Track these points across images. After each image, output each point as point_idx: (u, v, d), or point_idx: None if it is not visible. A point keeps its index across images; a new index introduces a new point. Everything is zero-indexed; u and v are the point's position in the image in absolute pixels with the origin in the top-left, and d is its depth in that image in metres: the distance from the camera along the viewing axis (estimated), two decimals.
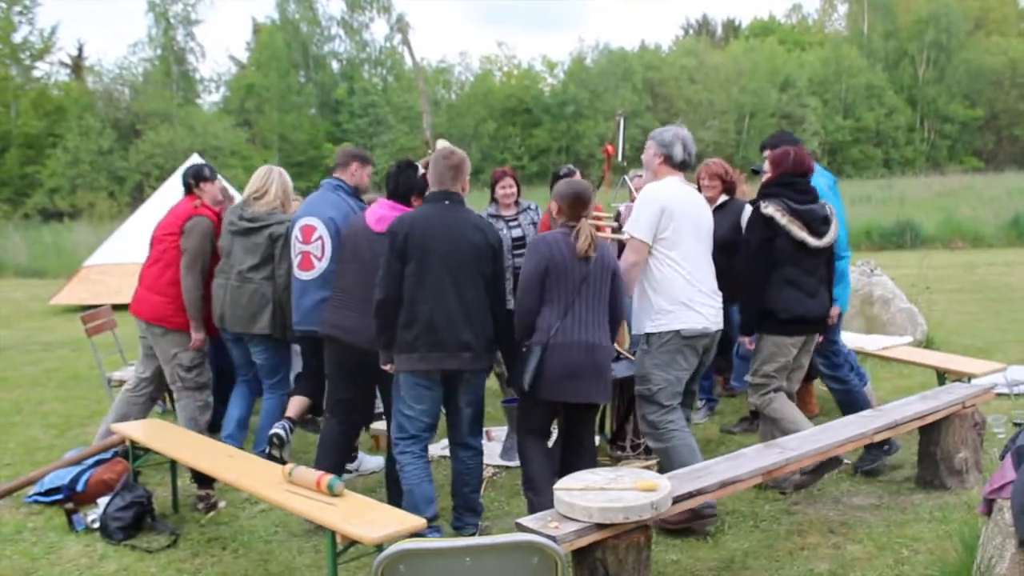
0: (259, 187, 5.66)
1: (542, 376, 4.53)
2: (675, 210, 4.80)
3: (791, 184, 5.23)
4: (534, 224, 7.02)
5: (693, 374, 5.01)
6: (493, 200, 7.11)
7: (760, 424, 5.66)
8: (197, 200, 5.88)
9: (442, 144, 6.08)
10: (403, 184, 5.00)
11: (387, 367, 4.65)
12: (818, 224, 5.19)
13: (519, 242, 6.87)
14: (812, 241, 5.15)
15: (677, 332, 4.78)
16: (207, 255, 5.75)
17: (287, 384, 5.81)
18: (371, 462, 5.98)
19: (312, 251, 5.28)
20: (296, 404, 5.61)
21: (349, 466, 5.79)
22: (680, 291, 4.79)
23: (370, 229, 4.87)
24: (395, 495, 4.83)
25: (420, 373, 4.52)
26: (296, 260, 5.34)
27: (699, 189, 6.81)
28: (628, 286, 4.88)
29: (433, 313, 4.46)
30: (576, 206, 4.64)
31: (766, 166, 5.44)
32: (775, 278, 5.19)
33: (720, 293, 5.00)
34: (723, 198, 6.65)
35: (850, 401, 5.75)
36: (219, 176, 6.21)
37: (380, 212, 4.91)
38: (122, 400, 6.10)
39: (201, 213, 5.79)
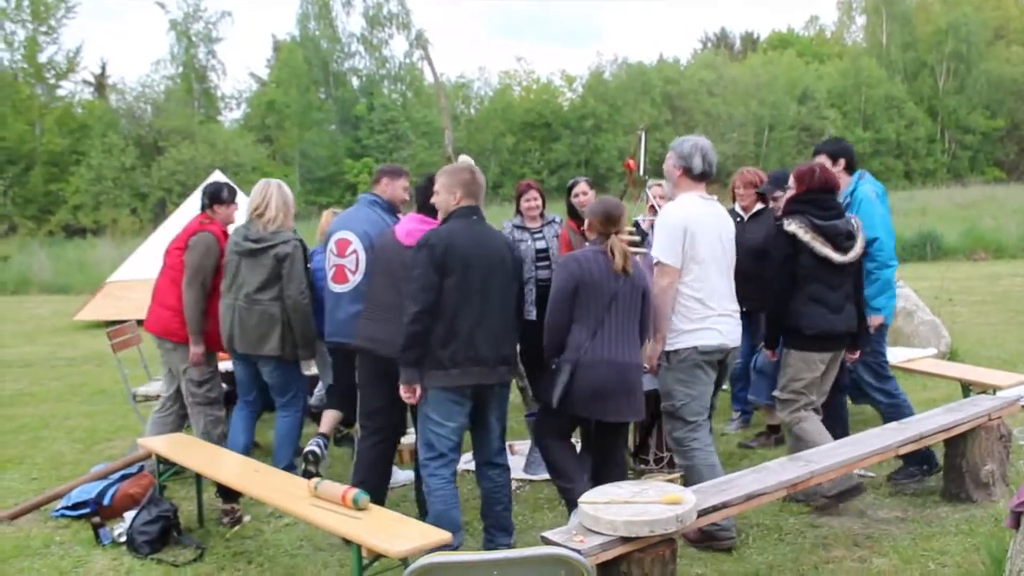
0: (259, 204, 5.55)
1: (571, 394, 4.53)
2: (695, 229, 4.77)
3: (815, 200, 5.17)
4: (557, 237, 7.16)
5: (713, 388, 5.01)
6: (518, 212, 7.22)
7: (789, 440, 5.58)
8: (206, 218, 5.92)
9: (464, 159, 6.11)
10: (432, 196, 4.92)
11: (406, 387, 4.47)
12: (842, 239, 5.13)
13: (543, 254, 7.01)
14: (836, 257, 5.10)
15: (695, 348, 4.77)
16: (208, 271, 5.74)
17: (300, 402, 5.75)
18: (401, 476, 5.86)
19: (347, 264, 5.31)
20: (329, 419, 5.65)
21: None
22: (695, 312, 4.78)
23: (400, 243, 4.85)
24: (425, 512, 4.78)
25: (454, 389, 4.45)
26: (330, 273, 5.37)
27: (733, 198, 6.90)
28: (664, 308, 4.79)
29: (476, 328, 4.43)
30: (607, 223, 4.64)
31: (791, 181, 5.40)
32: (799, 294, 5.14)
33: (738, 309, 5.00)
34: (758, 206, 6.81)
35: (898, 416, 5.52)
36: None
37: (410, 226, 4.90)
38: (152, 422, 6.18)
39: (206, 229, 5.82)
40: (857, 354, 5.45)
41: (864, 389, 5.78)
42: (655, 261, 4.83)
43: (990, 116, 48.23)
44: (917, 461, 5.59)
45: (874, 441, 4.90)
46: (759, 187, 6.79)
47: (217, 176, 14.10)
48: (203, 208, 5.99)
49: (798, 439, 5.20)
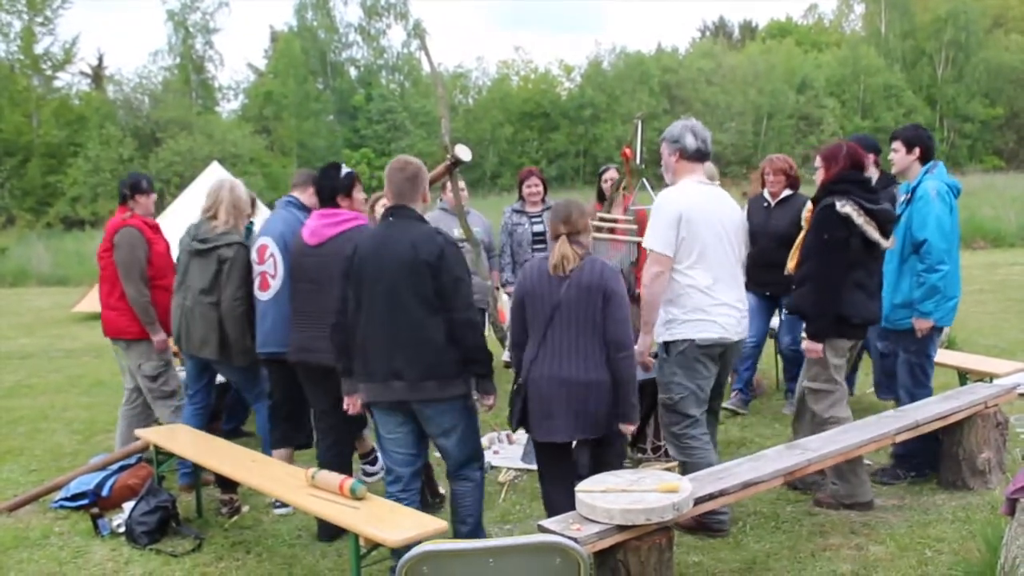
0: (208, 206, 5.55)
1: (526, 413, 4.31)
2: (692, 216, 4.60)
3: (859, 182, 4.94)
4: None
5: (715, 388, 4.90)
6: (520, 198, 7.67)
7: (793, 426, 5.42)
8: (128, 212, 5.92)
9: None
10: (325, 187, 4.89)
11: (348, 398, 4.46)
12: (890, 226, 4.97)
13: (539, 237, 7.60)
14: (882, 242, 4.91)
15: (692, 341, 4.65)
16: (142, 263, 5.78)
17: (266, 393, 5.64)
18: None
19: (267, 271, 5.21)
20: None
21: (370, 468, 5.81)
22: (696, 301, 4.63)
23: (306, 244, 4.81)
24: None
25: (370, 404, 4.35)
26: (256, 282, 5.29)
27: (763, 184, 6.92)
28: (654, 298, 4.65)
29: (365, 341, 4.22)
30: (555, 225, 4.33)
31: (817, 162, 5.16)
32: (847, 281, 4.90)
33: (743, 299, 4.83)
34: (786, 192, 6.86)
35: None
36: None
37: (312, 224, 4.84)
38: (120, 415, 6.22)
39: (128, 224, 5.83)
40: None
41: (896, 385, 5.65)
42: (648, 249, 4.71)
43: (989, 104, 48.12)
44: (909, 466, 5.55)
45: (871, 429, 4.91)
46: (789, 172, 6.86)
47: (215, 167, 14.10)
48: (123, 200, 5.99)
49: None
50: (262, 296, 5.24)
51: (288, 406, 5.42)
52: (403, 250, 4.13)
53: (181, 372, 6.41)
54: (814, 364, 5.09)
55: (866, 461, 5.70)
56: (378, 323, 4.17)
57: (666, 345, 4.75)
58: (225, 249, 5.37)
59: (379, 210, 6.97)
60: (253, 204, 6.59)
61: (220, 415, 6.26)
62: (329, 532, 4.85)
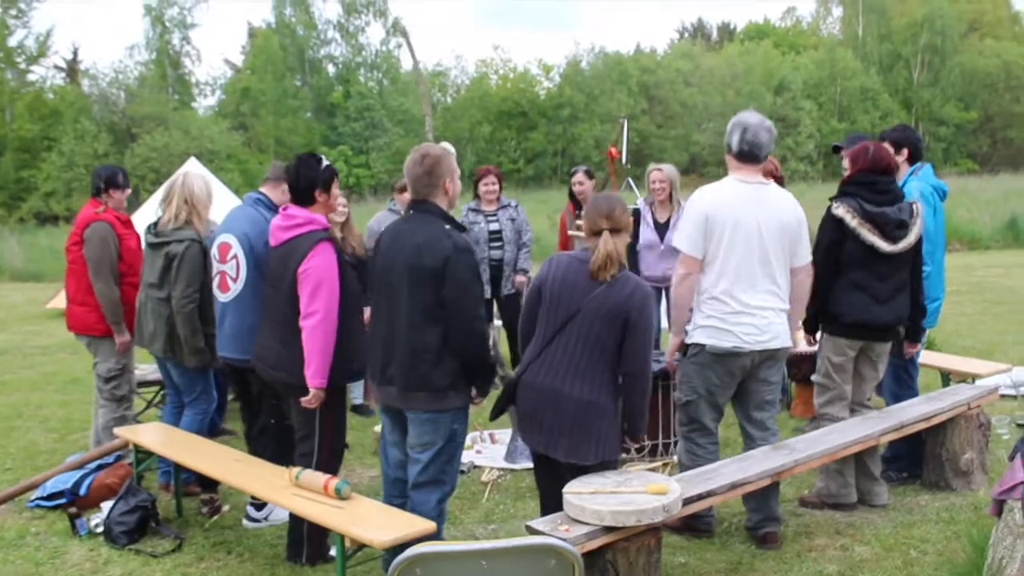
0: (163, 198, 5.42)
1: (516, 412, 4.17)
2: (719, 216, 4.44)
3: (870, 183, 4.88)
4: (512, 220, 7.91)
5: (755, 396, 4.71)
6: (476, 196, 7.77)
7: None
8: (101, 206, 5.79)
9: (445, 146, 6.06)
10: (303, 179, 4.44)
11: None
12: (892, 228, 4.84)
13: (495, 235, 7.82)
14: (884, 246, 4.82)
15: (703, 347, 4.54)
16: (112, 259, 5.66)
17: (207, 400, 5.56)
18: (282, 512, 4.93)
19: (228, 271, 4.94)
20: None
21: (257, 515, 5.19)
22: (714, 308, 4.50)
23: (270, 246, 4.57)
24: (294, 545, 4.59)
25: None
26: (215, 281, 5.04)
27: None
28: (681, 299, 4.57)
29: (372, 340, 4.16)
30: (595, 220, 4.02)
31: (845, 163, 5.15)
32: (842, 281, 4.89)
33: (776, 307, 4.55)
34: None
35: None
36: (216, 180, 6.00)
37: (275, 223, 4.55)
38: (96, 413, 6.09)
39: (100, 218, 5.71)
40: (916, 347, 5.32)
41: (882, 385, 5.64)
42: (677, 248, 4.62)
43: (963, 108, 48.54)
44: (899, 468, 5.56)
45: (857, 429, 4.92)
46: (775, 173, 6.85)
47: (192, 163, 13.95)
48: (96, 193, 5.84)
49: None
50: (221, 297, 5.00)
51: (248, 417, 5.31)
52: (412, 252, 3.92)
53: (140, 368, 6.31)
54: (820, 360, 5.11)
55: None
56: (381, 324, 4.06)
57: (686, 345, 4.67)
58: (175, 245, 5.20)
59: (339, 209, 6.89)
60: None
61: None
62: (297, 552, 4.59)
